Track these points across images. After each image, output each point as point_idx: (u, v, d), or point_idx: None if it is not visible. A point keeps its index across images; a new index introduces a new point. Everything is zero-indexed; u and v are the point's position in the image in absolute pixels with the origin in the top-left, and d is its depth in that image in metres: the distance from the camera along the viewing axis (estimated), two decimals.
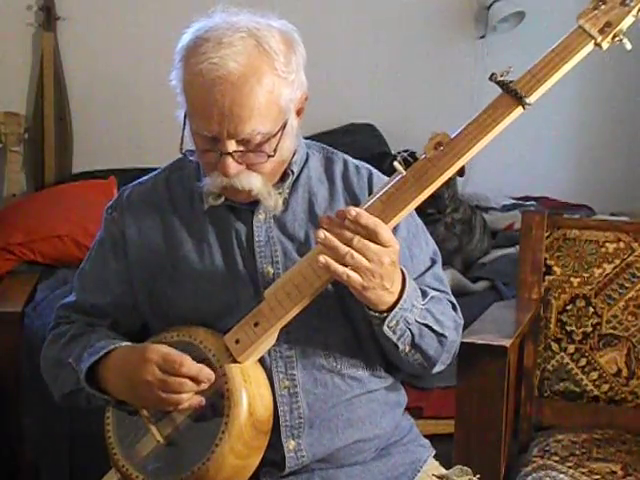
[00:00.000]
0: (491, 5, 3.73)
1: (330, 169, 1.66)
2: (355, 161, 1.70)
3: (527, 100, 1.44)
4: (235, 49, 1.46)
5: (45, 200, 3.35)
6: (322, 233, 1.42)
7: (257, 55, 1.47)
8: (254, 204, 1.59)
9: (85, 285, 1.67)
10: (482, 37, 3.81)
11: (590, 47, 1.46)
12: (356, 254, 1.42)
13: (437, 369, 1.63)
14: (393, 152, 3.63)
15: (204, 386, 1.48)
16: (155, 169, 1.72)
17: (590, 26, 1.45)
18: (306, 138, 1.69)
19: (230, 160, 1.49)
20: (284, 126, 1.52)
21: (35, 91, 3.62)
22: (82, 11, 3.66)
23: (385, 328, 1.50)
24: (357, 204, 1.61)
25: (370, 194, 1.63)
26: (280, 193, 1.59)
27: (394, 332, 1.51)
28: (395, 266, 1.46)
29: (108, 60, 3.69)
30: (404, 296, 1.49)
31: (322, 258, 1.41)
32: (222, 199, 1.58)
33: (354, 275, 1.42)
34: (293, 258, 1.57)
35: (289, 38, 1.52)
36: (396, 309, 1.49)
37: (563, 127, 3.99)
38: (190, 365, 1.46)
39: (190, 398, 1.48)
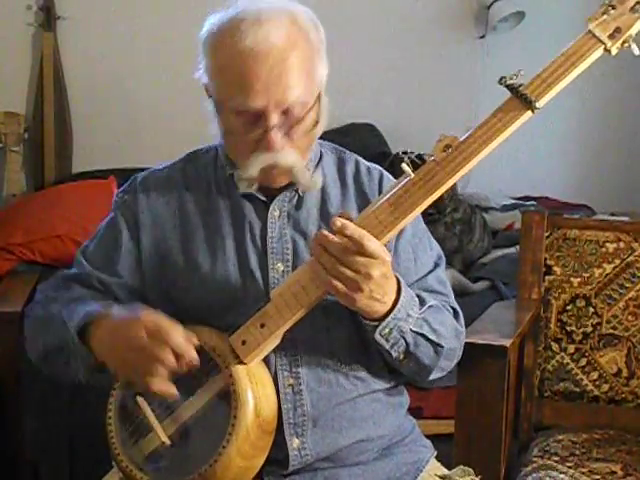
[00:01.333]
0: (491, 5, 3.73)
1: (342, 169, 1.68)
2: (366, 162, 1.71)
3: (537, 104, 1.44)
4: (274, 24, 1.51)
5: (45, 200, 3.34)
6: (313, 245, 1.44)
7: (294, 30, 1.52)
8: (272, 198, 1.60)
9: (93, 261, 1.64)
10: (482, 37, 3.81)
11: (600, 52, 1.46)
12: (340, 266, 1.42)
13: (435, 375, 1.63)
14: (393, 152, 3.63)
15: (182, 367, 1.44)
16: None
17: (600, 31, 1.45)
18: None
19: (275, 134, 1.50)
20: (319, 98, 1.55)
21: (35, 91, 3.62)
22: (82, 11, 3.66)
23: (377, 336, 1.50)
24: (367, 205, 1.62)
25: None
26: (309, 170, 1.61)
27: (387, 340, 1.51)
28: (387, 278, 1.46)
29: (108, 60, 3.69)
30: (398, 306, 1.49)
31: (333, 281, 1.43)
32: (255, 187, 1.58)
33: (339, 285, 1.43)
34: (303, 256, 1.58)
35: (313, 17, 1.59)
36: (388, 318, 1.49)
37: (563, 127, 3.98)
38: (177, 339, 1.43)
39: (163, 380, 1.44)
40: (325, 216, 1.62)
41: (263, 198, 1.61)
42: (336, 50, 3.80)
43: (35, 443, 2.65)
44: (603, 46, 1.45)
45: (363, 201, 1.64)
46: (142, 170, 1.70)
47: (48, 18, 3.59)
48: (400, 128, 3.80)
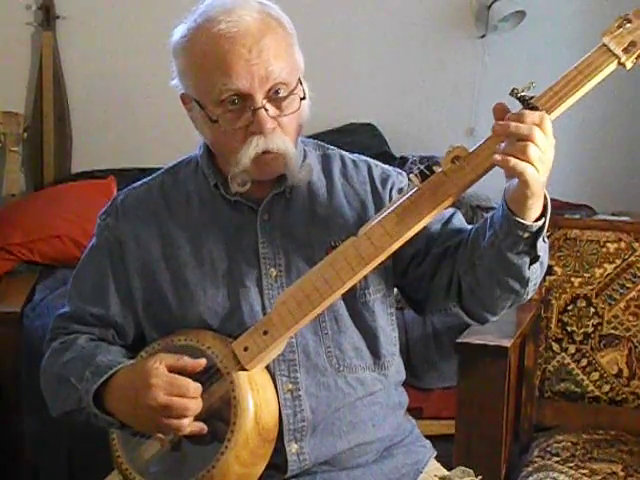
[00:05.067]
0: (491, 4, 3.72)
1: (328, 167, 1.65)
2: (351, 155, 1.69)
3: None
4: (245, 11, 1.50)
5: (44, 200, 3.34)
6: (499, 124, 1.38)
7: (264, 15, 1.52)
8: (259, 203, 1.58)
9: (82, 295, 1.63)
10: (482, 37, 3.80)
11: (614, 66, 1.44)
12: (534, 146, 1.36)
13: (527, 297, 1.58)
14: (393, 152, 3.63)
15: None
16: (154, 169, 1.71)
17: (614, 45, 1.43)
18: (306, 137, 1.68)
19: (264, 113, 1.49)
20: (300, 82, 1.53)
21: (34, 91, 3.61)
22: (82, 10, 3.65)
23: (540, 240, 1.45)
24: (359, 200, 1.62)
25: (372, 186, 1.63)
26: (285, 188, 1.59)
27: (544, 241, 1.46)
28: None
29: (108, 60, 3.68)
30: (548, 198, 1.44)
31: (497, 156, 1.36)
32: (247, 185, 1.55)
33: (533, 169, 1.36)
34: (295, 259, 1.57)
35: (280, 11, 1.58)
36: (548, 213, 1.43)
37: (563, 127, 3.97)
38: (193, 386, 1.46)
39: (192, 424, 1.46)
40: (313, 216, 1.60)
41: (250, 204, 1.59)
42: (336, 50, 3.79)
43: (35, 444, 2.64)
44: (617, 60, 1.44)
45: (354, 195, 1.62)
46: (142, 170, 1.70)
47: (47, 17, 3.58)
48: (400, 128, 3.80)
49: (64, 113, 3.65)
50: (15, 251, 3.08)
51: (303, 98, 1.53)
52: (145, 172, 1.75)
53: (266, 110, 1.49)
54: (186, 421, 1.45)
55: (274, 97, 1.50)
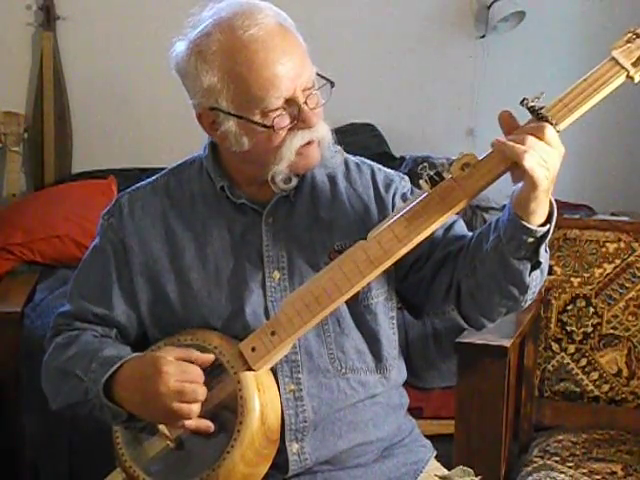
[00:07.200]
0: (491, 5, 3.72)
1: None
2: (354, 158, 1.69)
3: (557, 128, 1.45)
4: (265, 11, 1.51)
5: (45, 200, 3.34)
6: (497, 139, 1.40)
7: (276, 13, 1.53)
8: (263, 206, 1.59)
9: (84, 294, 1.63)
10: (482, 37, 3.80)
11: (622, 79, 1.48)
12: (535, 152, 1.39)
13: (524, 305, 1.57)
14: (393, 152, 3.64)
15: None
16: (155, 169, 1.71)
17: (623, 59, 1.47)
18: None
19: (308, 109, 1.50)
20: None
21: (35, 91, 3.62)
22: (82, 11, 3.66)
23: (543, 246, 1.46)
24: (362, 204, 1.62)
25: (375, 191, 1.64)
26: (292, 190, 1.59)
27: (546, 250, 1.47)
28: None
29: (108, 60, 3.69)
30: (554, 210, 1.45)
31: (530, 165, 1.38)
32: (294, 182, 1.56)
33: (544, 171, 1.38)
34: (298, 262, 1.57)
35: None
36: (553, 220, 1.45)
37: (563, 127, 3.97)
38: (199, 374, 1.48)
39: (199, 419, 1.47)
40: (317, 220, 1.60)
41: (255, 207, 1.59)
42: (336, 50, 3.79)
43: (35, 443, 2.65)
44: (626, 73, 1.47)
45: (357, 199, 1.62)
46: (142, 170, 1.70)
47: (48, 18, 3.58)
48: (400, 128, 3.80)
49: (64, 113, 3.65)
50: (16, 251, 3.08)
51: (332, 86, 1.54)
52: (145, 172, 1.75)
53: (306, 104, 1.50)
54: (196, 407, 1.46)
55: (308, 92, 1.51)
